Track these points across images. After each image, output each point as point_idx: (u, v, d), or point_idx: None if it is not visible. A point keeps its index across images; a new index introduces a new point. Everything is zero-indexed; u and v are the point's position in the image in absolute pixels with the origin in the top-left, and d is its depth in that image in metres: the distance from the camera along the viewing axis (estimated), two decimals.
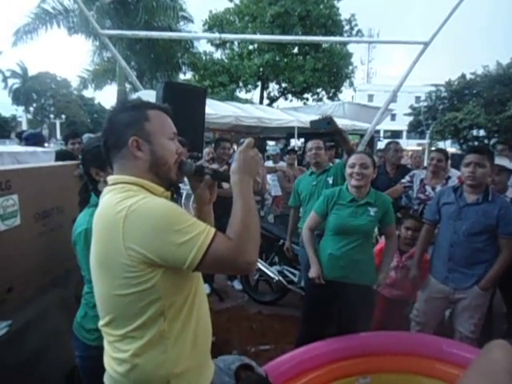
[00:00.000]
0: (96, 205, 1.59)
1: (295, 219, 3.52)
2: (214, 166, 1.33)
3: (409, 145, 29.26)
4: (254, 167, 1.12)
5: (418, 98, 34.64)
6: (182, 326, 1.07)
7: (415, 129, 30.73)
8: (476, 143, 23.25)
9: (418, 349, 2.28)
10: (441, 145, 25.04)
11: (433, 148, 15.52)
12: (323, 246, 2.58)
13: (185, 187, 3.30)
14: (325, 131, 3.01)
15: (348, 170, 2.47)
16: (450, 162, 4.13)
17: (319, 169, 3.29)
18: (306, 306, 2.78)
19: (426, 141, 28.01)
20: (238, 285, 4.48)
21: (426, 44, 5.78)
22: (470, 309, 2.46)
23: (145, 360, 1.04)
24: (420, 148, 23.23)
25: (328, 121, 2.92)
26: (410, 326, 2.74)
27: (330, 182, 3.19)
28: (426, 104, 29.31)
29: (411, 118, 30.71)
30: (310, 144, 3.31)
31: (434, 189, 3.35)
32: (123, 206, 0.98)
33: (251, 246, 1.03)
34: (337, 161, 4.93)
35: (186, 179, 1.34)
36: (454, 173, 3.65)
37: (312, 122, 3.16)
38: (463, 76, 26.64)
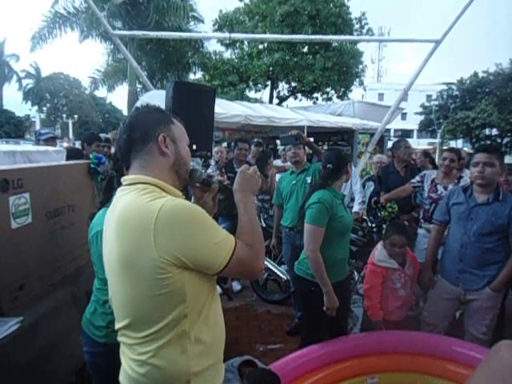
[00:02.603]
0: None
1: (280, 217, 3.64)
2: (220, 177, 1.40)
3: (420, 144, 28.91)
4: (254, 184, 1.25)
5: (429, 97, 34.30)
6: (201, 326, 1.08)
7: (426, 128, 30.43)
8: (488, 142, 22.86)
9: (427, 348, 2.27)
10: (452, 144, 24.77)
11: (444, 147, 15.31)
12: (329, 254, 2.32)
13: None
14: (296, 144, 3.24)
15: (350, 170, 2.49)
16: (466, 160, 4.08)
17: (298, 168, 3.41)
18: (314, 313, 2.47)
19: (437, 140, 27.69)
20: (237, 285, 4.47)
21: (438, 42, 5.72)
22: (482, 310, 2.43)
23: (166, 360, 1.04)
24: (431, 147, 22.96)
25: (296, 137, 3.13)
26: (420, 327, 2.71)
27: (309, 181, 3.33)
28: (437, 103, 29.02)
29: (422, 117, 30.44)
30: (288, 146, 3.40)
31: (445, 188, 3.31)
32: (154, 208, 0.98)
33: (262, 253, 1.14)
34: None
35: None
36: (467, 172, 3.60)
37: (281, 139, 3.46)
38: (475, 74, 26.30)
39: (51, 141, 3.84)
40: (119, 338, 1.14)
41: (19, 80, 35.60)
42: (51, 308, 1.85)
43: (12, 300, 1.71)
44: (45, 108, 36.81)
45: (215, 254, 1.03)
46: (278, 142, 12.79)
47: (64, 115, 37.89)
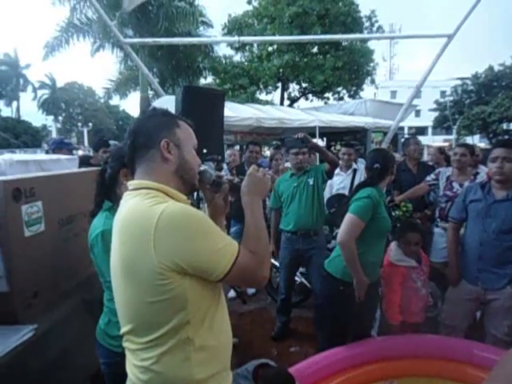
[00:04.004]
0: (109, 209, 1.61)
1: (278, 221, 3.51)
2: (230, 177, 1.37)
3: (435, 141, 28.45)
4: (263, 188, 1.20)
5: (443, 93, 33.70)
6: (205, 334, 1.06)
7: (441, 124, 29.92)
8: (506, 137, 22.34)
9: (448, 352, 2.21)
10: (468, 140, 24.27)
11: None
12: (365, 254, 2.27)
13: None
14: (302, 148, 3.25)
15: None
16: (480, 157, 3.98)
17: (299, 171, 3.34)
18: (341, 314, 2.41)
19: (452, 136, 27.20)
20: (251, 288, 4.34)
21: (450, 36, 5.61)
22: (503, 310, 2.34)
23: (168, 367, 1.03)
24: (447, 144, 22.54)
25: (303, 140, 3.09)
26: (439, 329, 2.64)
27: (311, 183, 3.27)
28: (451, 98, 28.51)
29: (436, 114, 29.93)
30: (293, 150, 3.34)
31: (461, 185, 3.22)
32: (154, 212, 0.97)
33: (267, 261, 1.11)
34: (360, 160, 4.87)
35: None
36: (482, 169, 3.51)
37: (287, 142, 3.43)
38: (491, 68, 25.78)
39: (63, 150, 3.89)
40: (124, 344, 1.13)
41: (34, 90, 36.52)
42: (65, 315, 1.86)
43: (26, 307, 1.72)
44: (60, 117, 37.67)
45: (216, 261, 1.00)
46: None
47: (79, 124, 38.70)
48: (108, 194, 1.64)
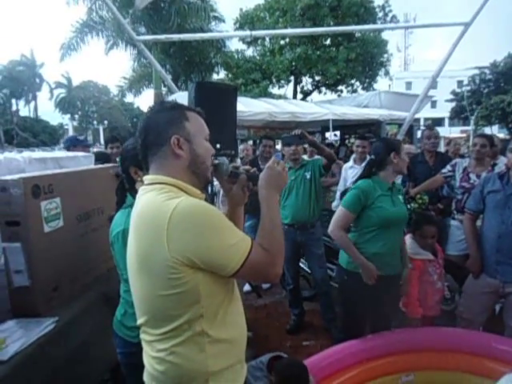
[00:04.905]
0: (132, 205, 1.64)
1: None
2: (246, 166, 1.35)
3: (452, 132, 27.87)
4: (281, 182, 1.17)
5: (460, 83, 32.97)
6: (219, 327, 1.08)
7: (458, 115, 29.26)
8: None
9: (465, 345, 2.18)
10: (487, 130, 23.69)
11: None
12: (362, 245, 2.30)
13: None
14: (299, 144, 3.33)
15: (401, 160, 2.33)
16: (499, 148, 3.88)
17: (296, 164, 3.38)
18: (349, 305, 2.49)
19: (470, 127, 26.57)
20: (247, 287, 4.28)
21: (467, 25, 5.47)
22: None
23: (183, 359, 1.05)
24: (464, 135, 22.06)
25: (300, 136, 3.13)
26: (456, 323, 2.61)
27: (308, 176, 3.32)
28: (469, 88, 27.83)
29: (453, 104, 29.28)
30: (292, 146, 3.37)
31: (478, 176, 3.16)
32: (168, 207, 0.98)
33: (280, 259, 1.09)
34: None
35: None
36: (502, 159, 3.42)
37: (284, 138, 3.52)
38: (510, 56, 25.01)
39: (78, 147, 3.97)
40: (141, 336, 1.16)
41: (51, 90, 37.20)
42: (84, 308, 1.91)
43: (47, 301, 1.77)
44: (76, 116, 38.30)
45: (228, 257, 1.00)
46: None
47: (95, 122, 39.28)
48: (130, 190, 1.67)
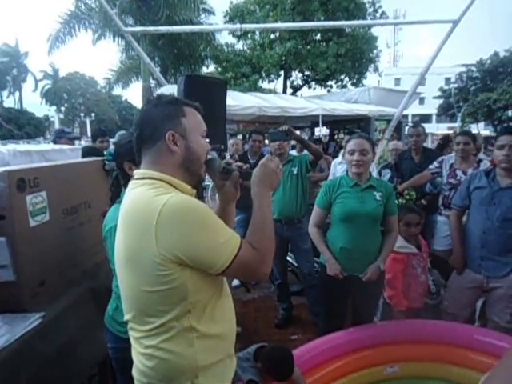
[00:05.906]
0: None
1: None
2: (239, 163, 1.34)
3: (439, 129, 28.21)
4: (275, 180, 1.16)
5: (447, 80, 33.33)
6: (207, 322, 1.08)
7: (445, 112, 29.63)
8: None
9: (448, 337, 2.23)
10: (473, 127, 24.05)
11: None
12: (332, 239, 2.43)
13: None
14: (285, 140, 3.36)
15: (348, 157, 2.41)
16: (482, 144, 3.95)
17: (283, 159, 3.39)
18: (325, 300, 2.61)
19: (457, 124, 26.95)
20: (235, 282, 4.24)
21: (455, 22, 5.49)
22: (506, 298, 2.36)
23: (172, 354, 1.04)
24: (451, 132, 22.37)
25: (287, 132, 3.16)
26: (441, 317, 2.66)
27: (295, 172, 3.35)
28: (456, 85, 28.18)
29: (441, 101, 29.63)
30: (278, 142, 3.39)
31: (464, 173, 3.21)
32: (157, 203, 0.97)
33: (270, 258, 1.09)
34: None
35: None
36: (483, 156, 3.49)
37: (271, 134, 3.52)
38: (496, 54, 25.40)
39: (63, 139, 3.91)
40: (129, 332, 1.15)
41: (36, 81, 36.39)
42: (71, 303, 1.88)
43: (33, 296, 1.74)
44: (63, 108, 37.57)
45: (217, 255, 0.99)
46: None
47: (81, 114, 38.61)
48: (124, 185, 1.64)
